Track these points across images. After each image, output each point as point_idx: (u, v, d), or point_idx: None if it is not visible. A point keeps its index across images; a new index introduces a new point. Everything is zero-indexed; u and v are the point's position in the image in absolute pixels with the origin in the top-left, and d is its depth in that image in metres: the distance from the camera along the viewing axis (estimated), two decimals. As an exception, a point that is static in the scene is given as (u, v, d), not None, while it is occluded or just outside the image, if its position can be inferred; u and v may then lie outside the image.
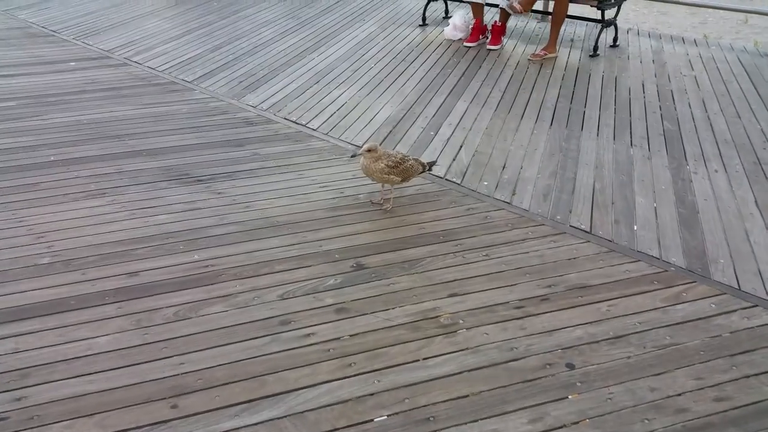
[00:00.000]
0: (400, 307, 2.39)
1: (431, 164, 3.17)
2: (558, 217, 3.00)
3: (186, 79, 5.01)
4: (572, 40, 5.85)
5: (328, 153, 3.73)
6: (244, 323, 2.31)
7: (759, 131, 3.91)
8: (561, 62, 5.28)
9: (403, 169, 2.99)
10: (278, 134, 3.99)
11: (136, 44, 5.95)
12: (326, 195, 3.23)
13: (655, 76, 4.89)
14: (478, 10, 5.78)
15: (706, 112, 4.22)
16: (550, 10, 5.59)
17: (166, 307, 2.40)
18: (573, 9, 5.44)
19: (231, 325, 2.30)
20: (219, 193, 3.25)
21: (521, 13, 5.40)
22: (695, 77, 4.85)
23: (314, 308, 2.39)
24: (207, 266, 2.64)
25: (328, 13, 6.92)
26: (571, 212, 3.03)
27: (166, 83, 4.93)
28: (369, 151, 2.96)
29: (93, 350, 2.20)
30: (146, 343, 2.23)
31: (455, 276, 2.56)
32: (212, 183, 3.36)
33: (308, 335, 2.25)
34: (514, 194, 3.21)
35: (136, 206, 3.12)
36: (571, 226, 2.92)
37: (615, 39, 5.65)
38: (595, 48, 5.39)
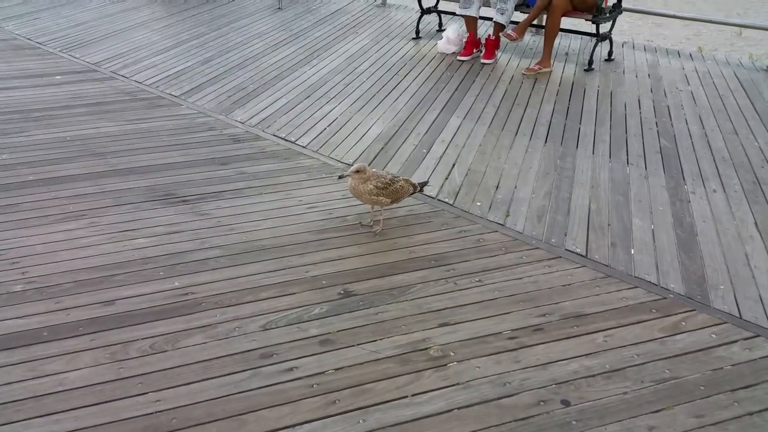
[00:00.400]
0: (388, 338, 2.28)
1: (422, 185, 3.07)
2: (553, 240, 2.90)
3: (173, 93, 4.91)
4: (567, 54, 5.79)
5: (317, 171, 3.63)
6: (224, 356, 2.20)
7: (757, 149, 3.84)
8: (555, 77, 5.21)
9: (392, 191, 2.89)
10: (266, 152, 3.89)
11: (123, 57, 5.86)
12: (314, 216, 3.13)
13: (651, 91, 4.82)
14: (471, 24, 5.71)
15: (704, 128, 4.15)
16: (544, 23, 5.54)
17: (142, 338, 2.29)
18: (568, 22, 5.38)
19: (210, 359, 2.19)
20: (203, 215, 3.14)
21: (516, 39, 5.34)
22: (692, 92, 4.78)
23: (298, 339, 2.28)
24: (187, 294, 2.53)
25: (321, 25, 6.85)
26: (566, 235, 2.94)
27: (152, 98, 4.83)
28: (357, 172, 2.86)
29: (64, 386, 2.08)
30: (120, 378, 2.11)
31: (446, 304, 2.46)
32: (197, 204, 3.25)
33: (291, 369, 2.14)
34: (507, 215, 3.11)
35: (115, 229, 3.01)
36: (566, 249, 2.82)
37: (610, 53, 5.59)
38: (590, 62, 5.32)
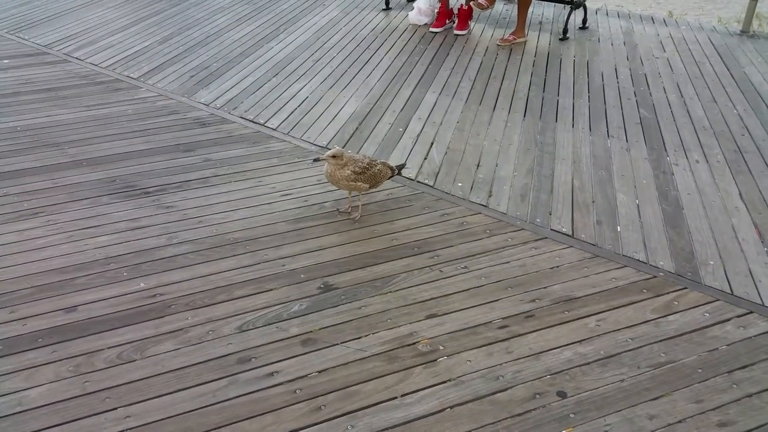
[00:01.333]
0: (373, 333, 2.16)
1: (400, 167, 2.93)
2: (538, 220, 2.80)
3: (132, 75, 4.64)
4: (541, 23, 5.64)
5: (289, 155, 3.45)
6: (198, 363, 2.06)
7: (737, 117, 3.78)
8: (531, 47, 5.07)
9: (370, 175, 2.74)
10: (233, 136, 3.69)
11: (77, 38, 5.51)
12: (288, 204, 2.97)
13: (628, 59, 4.72)
14: (442, -7, 5.52)
15: (682, 97, 4.07)
16: (517, -9, 5.37)
17: (108, 347, 2.12)
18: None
19: (182, 367, 2.04)
20: (168, 208, 2.95)
21: (488, 7, 5.17)
22: (668, 59, 4.70)
23: (277, 341, 2.14)
24: (155, 295, 2.37)
25: (285, -2, 6.57)
26: (551, 214, 2.84)
27: (110, 81, 4.55)
28: (334, 157, 2.70)
29: (24, 405, 1.91)
30: (86, 393, 1.95)
31: (432, 294, 2.35)
32: (160, 195, 3.05)
33: (271, 374, 2.01)
34: (490, 196, 3.00)
35: (74, 227, 2.80)
36: (552, 229, 2.73)
37: (584, 20, 5.46)
38: (565, 31, 5.19)
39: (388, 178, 2.87)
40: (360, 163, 2.73)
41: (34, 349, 2.12)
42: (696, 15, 6.73)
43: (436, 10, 5.62)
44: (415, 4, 5.76)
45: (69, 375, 2.02)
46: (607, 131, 3.63)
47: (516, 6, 5.35)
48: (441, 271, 2.46)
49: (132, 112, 4.01)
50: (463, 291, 2.34)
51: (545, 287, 2.36)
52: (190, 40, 5.39)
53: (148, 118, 3.92)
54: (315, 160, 2.79)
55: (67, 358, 2.08)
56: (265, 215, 2.88)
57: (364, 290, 2.37)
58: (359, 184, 2.74)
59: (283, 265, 2.52)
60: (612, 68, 4.57)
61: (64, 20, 6.02)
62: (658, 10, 7.12)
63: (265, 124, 3.84)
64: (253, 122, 3.87)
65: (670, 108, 3.91)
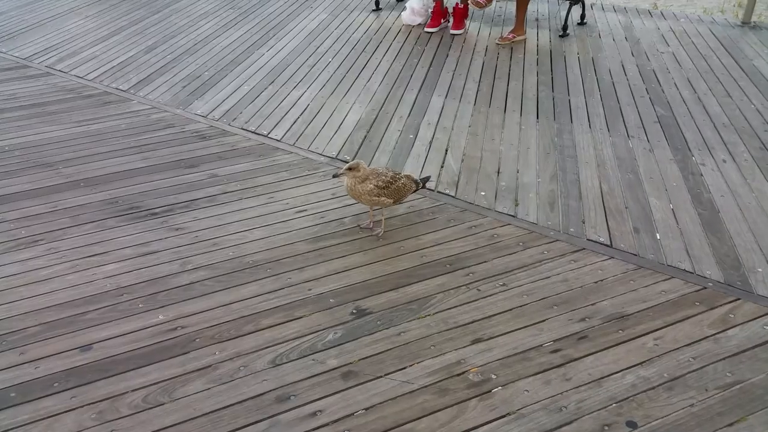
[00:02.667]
0: (418, 363, 2.02)
1: (425, 180, 2.78)
2: (571, 229, 2.68)
3: (121, 87, 4.42)
4: (537, 20, 5.54)
5: (298, 168, 3.29)
6: (233, 404, 1.89)
7: (755, 112, 3.71)
8: (531, 45, 4.96)
9: (394, 190, 2.59)
10: (237, 149, 3.51)
11: (57, 49, 5.26)
12: (305, 222, 2.80)
13: (633, 55, 4.64)
14: (437, -8, 5.39)
15: (695, 92, 3.99)
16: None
17: (133, 390, 1.95)
18: (538, -13, 5.13)
19: (216, 409, 1.87)
20: (178, 230, 2.77)
21: (485, 5, 5.05)
22: (673, 54, 4.63)
23: (316, 375, 1.98)
24: (176, 328, 2.19)
25: (270, 0, 6.38)
26: (584, 222, 2.72)
27: (98, 94, 4.33)
28: (351, 169, 2.56)
29: (43, 462, 1.75)
30: (112, 445, 1.79)
31: (474, 315, 2.21)
32: (168, 216, 2.87)
33: (314, 414, 1.85)
34: (517, 205, 2.87)
35: (79, 254, 2.61)
36: (588, 239, 2.61)
37: (583, 16, 5.37)
38: (565, 27, 5.09)
39: (413, 192, 2.73)
40: (383, 177, 2.58)
41: (51, 395, 1.94)
42: (681, 6, 6.69)
43: (430, 10, 5.48)
44: (407, 4, 5.61)
45: (93, 424, 1.83)
46: (627, 131, 3.53)
47: (513, 3, 5.25)
48: (479, 290, 2.32)
49: (126, 127, 3.81)
50: (505, 311, 2.21)
51: (593, 304, 2.23)
52: (176, 48, 5.17)
53: (143, 133, 3.72)
54: (334, 176, 2.64)
55: (89, 404, 1.90)
56: (283, 234, 2.71)
57: (400, 314, 2.22)
58: (383, 199, 2.59)
59: (310, 290, 2.36)
60: (619, 65, 4.47)
61: (42, 31, 5.75)
62: (641, 2, 7.09)
63: (269, 135, 3.66)
64: (256, 134, 3.69)
65: (686, 105, 3.83)
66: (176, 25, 5.76)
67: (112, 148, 3.54)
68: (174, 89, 4.36)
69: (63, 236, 2.74)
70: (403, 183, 2.62)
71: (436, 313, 2.22)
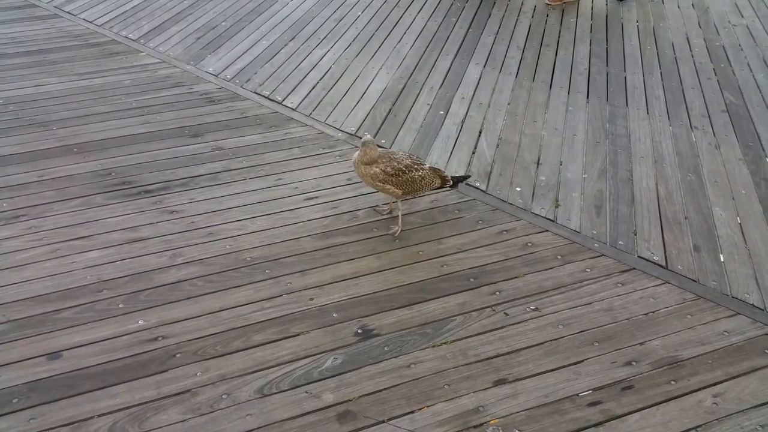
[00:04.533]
0: (428, 406, 1.72)
1: (459, 180, 2.38)
2: (620, 242, 2.30)
3: (131, 36, 4.07)
4: (592, -22, 4.97)
5: (312, 145, 2.94)
6: (210, 443, 1.64)
7: (844, 104, 3.22)
8: (585, 8, 4.43)
9: (406, 180, 2.23)
10: (247, 116, 3.16)
11: (70, -12, 4.91)
12: (314, 212, 2.48)
13: (700, 27, 4.09)
14: (482, -58, 4.83)
15: (773, 76, 3.50)
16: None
17: (99, 415, 1.69)
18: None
19: (191, 449, 1.63)
20: (172, 213, 2.48)
21: None
22: (747, 27, 4.06)
23: (308, 413, 1.70)
24: (156, 338, 1.92)
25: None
26: (636, 234, 2.34)
27: (106, 42, 3.99)
28: (363, 145, 2.23)
29: (-11, 499, 1.52)
30: (68, 484, 1.55)
31: (499, 348, 1.88)
32: (163, 195, 2.57)
33: (302, 465, 1.59)
34: (557, 206, 2.50)
35: (61, 236, 2.34)
36: (640, 257, 2.23)
37: (644, -24, 4.79)
38: (624, -11, 4.54)
39: (436, 189, 2.36)
40: (396, 163, 2.23)
41: (8, 414, 1.70)
42: None
43: (475, -39, 4.95)
44: (450, -46, 5.08)
45: (47, 457, 1.61)
46: (690, 120, 3.08)
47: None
48: (506, 314, 1.99)
49: (130, 83, 3.48)
50: (537, 345, 1.88)
51: (641, 343, 1.89)
52: (195, -8, 4.78)
53: (148, 92, 3.39)
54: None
55: (48, 430, 1.67)
56: (288, 227, 2.40)
57: (412, 339, 1.91)
58: (388, 187, 2.24)
59: (312, 299, 2.07)
60: (683, 38, 3.95)
61: (56, -34, 5.38)
62: None
63: (283, 103, 3.30)
64: (270, 99, 3.33)
65: (760, 92, 3.32)
66: (197, -34, 5.33)
67: (113, 108, 3.22)
68: (187, 41, 4.00)
69: (46, 212, 2.47)
70: (420, 175, 2.26)
71: (455, 341, 1.90)
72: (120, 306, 2.04)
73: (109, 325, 1.97)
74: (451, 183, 2.36)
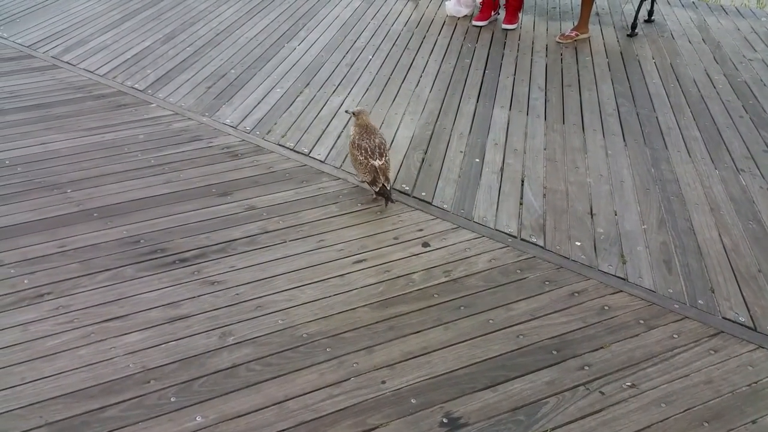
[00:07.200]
0: (539, 508, 1.55)
1: (381, 194, 2.63)
2: (700, 301, 2.18)
3: (137, 86, 3.89)
4: (598, 14, 4.96)
5: (349, 200, 2.78)
6: None
7: None
8: (597, 45, 4.41)
9: (353, 155, 2.71)
10: (275, 171, 3.00)
11: (64, 35, 4.70)
12: (366, 277, 2.31)
13: (717, 62, 4.08)
14: (489, -18, 4.82)
15: (804, 112, 3.47)
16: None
17: None
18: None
19: None
20: (213, 284, 2.28)
21: None
22: (763, 61, 4.07)
23: None
24: (219, 438, 1.73)
25: (298, -15, 5.79)
26: (713, 292, 2.22)
27: (111, 94, 3.80)
28: (355, 114, 2.75)
29: None
30: None
31: (601, 433, 1.73)
32: (201, 264, 2.37)
33: None
34: (624, 262, 2.37)
35: (93, 317, 2.12)
36: (724, 318, 2.11)
37: (651, 12, 4.78)
38: (634, 26, 4.52)
39: (364, 182, 2.70)
40: (360, 138, 2.68)
41: None
42: None
43: (479, 1, 4.92)
44: (453, -7, 5.04)
45: None
46: (734, 163, 3.01)
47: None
48: (602, 393, 1.83)
49: (144, 138, 3.29)
50: (644, 429, 1.72)
51: (754, 421, 1.73)
52: (197, 39, 4.62)
53: (165, 147, 3.21)
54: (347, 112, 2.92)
55: None
56: (340, 296, 2.22)
57: (504, 429, 1.75)
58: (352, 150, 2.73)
59: (383, 382, 1.88)
60: (703, 74, 3.93)
61: (46, 13, 5.17)
62: None
63: (311, 155, 3.15)
64: (295, 151, 3.17)
65: (797, 129, 3.31)
66: (195, 10, 5.19)
67: (129, 167, 3.03)
68: (197, 90, 3.83)
69: (73, 289, 2.25)
70: (360, 162, 2.66)
71: (554, 429, 1.73)
72: (172, 400, 1.83)
73: (163, 424, 1.75)
74: (376, 190, 2.63)
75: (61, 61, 4.26)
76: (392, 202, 2.67)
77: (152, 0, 5.45)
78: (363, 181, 2.71)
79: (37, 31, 4.79)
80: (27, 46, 4.51)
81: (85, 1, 5.46)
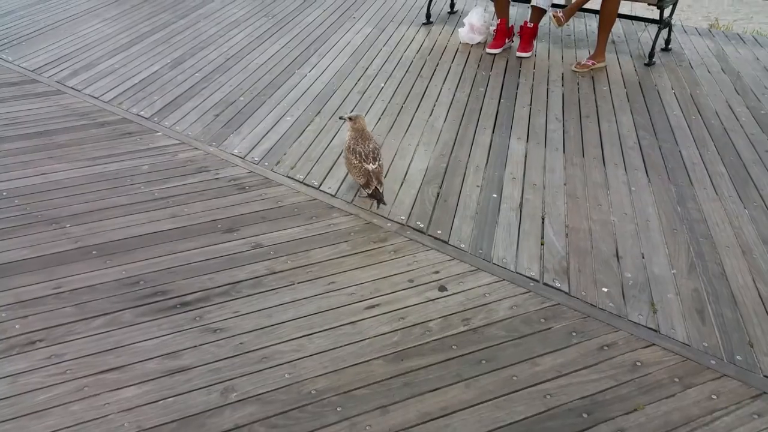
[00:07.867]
0: None
1: (373, 196, 2.74)
2: (738, 357, 2.02)
3: (143, 114, 3.79)
4: (614, 42, 4.86)
5: (361, 238, 2.65)
6: None
7: None
8: (614, 74, 4.29)
9: (347, 159, 2.80)
10: (284, 205, 2.88)
11: (71, 60, 4.63)
12: (379, 325, 2.17)
13: (738, 93, 3.96)
14: (503, 8, 4.72)
15: (833, 148, 3.33)
16: (594, 6, 4.57)
17: None
18: (622, 6, 4.45)
19: None
20: (216, 332, 2.14)
21: (564, 24, 4.36)
22: (787, 93, 3.96)
23: None
24: None
25: (308, 8, 5.72)
26: (752, 347, 2.07)
27: (116, 121, 3.71)
28: (350, 119, 2.82)
29: None
30: None
31: None
32: (203, 309, 2.24)
33: None
34: (655, 311, 2.22)
35: (87, 368, 1.98)
36: (765, 376, 1.96)
37: (668, 41, 4.68)
38: (651, 55, 4.41)
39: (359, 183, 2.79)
40: (355, 143, 2.75)
41: None
42: (742, 23, 6.00)
43: (492, 28, 4.83)
44: (465, 20, 4.95)
45: None
46: (763, 201, 2.86)
47: (583, 20, 4.59)
48: (639, 463, 1.69)
49: (149, 169, 3.18)
50: (687, 506, 1.58)
51: (810, 499, 1.60)
52: (206, 64, 4.54)
53: (170, 178, 3.09)
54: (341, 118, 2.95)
55: None
56: (351, 346, 2.08)
57: (534, 501, 1.60)
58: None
59: (400, 447, 1.74)
60: (725, 106, 3.80)
61: (54, 36, 5.12)
62: (701, 21, 6.40)
63: (321, 188, 3.03)
64: (305, 184, 3.06)
65: (828, 166, 3.17)
66: (205, 34, 5.13)
67: (133, 200, 2.91)
68: (205, 118, 3.73)
69: (67, 335, 2.12)
70: (354, 165, 2.74)
71: (587, 504, 1.59)
72: (170, 465, 1.69)
73: (159, 494, 1.62)
74: (369, 192, 2.73)
75: (66, 86, 4.18)
76: (383, 204, 2.78)
77: (162, 22, 5.42)
78: (358, 183, 2.85)
79: (43, 55, 4.72)
80: (31, 71, 4.44)
81: (95, 23, 5.42)
